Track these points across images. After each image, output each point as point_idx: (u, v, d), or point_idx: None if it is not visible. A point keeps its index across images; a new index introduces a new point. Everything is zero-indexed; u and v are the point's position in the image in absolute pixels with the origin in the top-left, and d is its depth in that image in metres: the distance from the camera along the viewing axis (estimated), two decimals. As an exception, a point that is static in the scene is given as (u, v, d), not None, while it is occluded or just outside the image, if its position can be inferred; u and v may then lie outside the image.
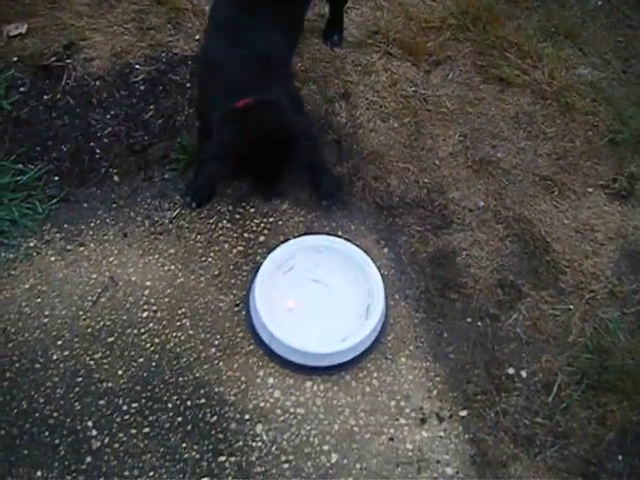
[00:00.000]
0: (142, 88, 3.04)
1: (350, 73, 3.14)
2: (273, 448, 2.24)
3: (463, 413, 2.33)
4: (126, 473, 2.17)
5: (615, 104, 3.07)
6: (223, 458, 2.21)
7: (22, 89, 3.01)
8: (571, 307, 2.55)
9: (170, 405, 2.30)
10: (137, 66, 3.08)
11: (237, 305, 2.51)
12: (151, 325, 2.46)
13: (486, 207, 2.79)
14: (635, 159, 2.95)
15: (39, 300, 2.49)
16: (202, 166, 2.65)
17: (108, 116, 2.96)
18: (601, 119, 3.04)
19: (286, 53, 2.57)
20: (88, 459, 2.20)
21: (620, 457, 2.27)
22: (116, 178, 2.81)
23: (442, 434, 2.28)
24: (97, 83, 3.04)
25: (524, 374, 2.41)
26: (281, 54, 2.47)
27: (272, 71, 2.36)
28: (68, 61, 3.09)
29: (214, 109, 2.38)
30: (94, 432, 2.24)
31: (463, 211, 2.77)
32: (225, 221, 2.71)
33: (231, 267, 2.60)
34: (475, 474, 2.22)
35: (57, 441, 2.22)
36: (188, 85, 3.05)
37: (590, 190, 2.86)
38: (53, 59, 3.09)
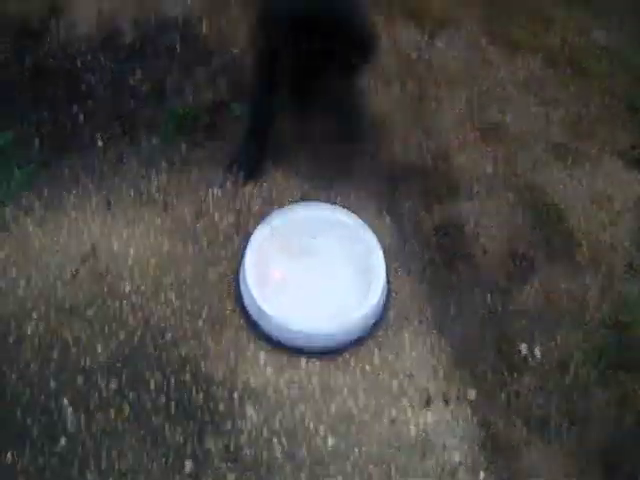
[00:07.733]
0: (129, 52, 2.97)
1: (350, 36, 3.06)
2: (264, 430, 2.15)
3: (471, 394, 2.25)
4: (103, 456, 2.08)
5: (633, 68, 3.03)
6: (210, 441, 2.12)
7: (4, 53, 2.94)
8: (587, 281, 2.48)
9: (153, 383, 2.21)
10: (124, 30, 3.01)
11: (227, 276, 2.42)
12: (134, 298, 2.37)
13: (495, 174, 2.71)
14: (655, 125, 2.90)
15: (14, 270, 2.40)
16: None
17: (93, 80, 2.88)
18: (618, 83, 2.99)
19: None
20: (63, 441, 2.11)
21: (643, 442, 2.19)
22: (100, 143, 2.73)
23: (449, 416, 2.20)
24: (82, 47, 2.97)
25: (538, 352, 2.33)
26: None
27: None
28: (52, 25, 3.02)
29: None
30: (70, 412, 2.15)
31: (470, 178, 2.69)
32: (215, 189, 2.62)
33: (221, 238, 2.50)
34: (484, 460, 2.13)
35: (30, 421, 2.13)
36: (178, 49, 2.98)
37: (607, 157, 2.79)
38: (36, 22, 3.01)
